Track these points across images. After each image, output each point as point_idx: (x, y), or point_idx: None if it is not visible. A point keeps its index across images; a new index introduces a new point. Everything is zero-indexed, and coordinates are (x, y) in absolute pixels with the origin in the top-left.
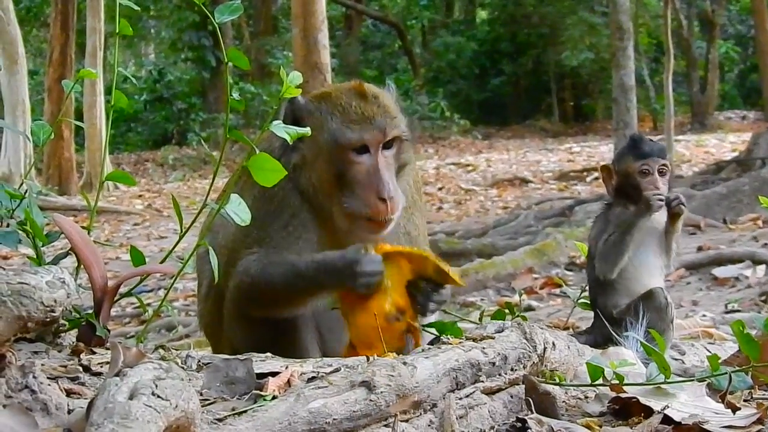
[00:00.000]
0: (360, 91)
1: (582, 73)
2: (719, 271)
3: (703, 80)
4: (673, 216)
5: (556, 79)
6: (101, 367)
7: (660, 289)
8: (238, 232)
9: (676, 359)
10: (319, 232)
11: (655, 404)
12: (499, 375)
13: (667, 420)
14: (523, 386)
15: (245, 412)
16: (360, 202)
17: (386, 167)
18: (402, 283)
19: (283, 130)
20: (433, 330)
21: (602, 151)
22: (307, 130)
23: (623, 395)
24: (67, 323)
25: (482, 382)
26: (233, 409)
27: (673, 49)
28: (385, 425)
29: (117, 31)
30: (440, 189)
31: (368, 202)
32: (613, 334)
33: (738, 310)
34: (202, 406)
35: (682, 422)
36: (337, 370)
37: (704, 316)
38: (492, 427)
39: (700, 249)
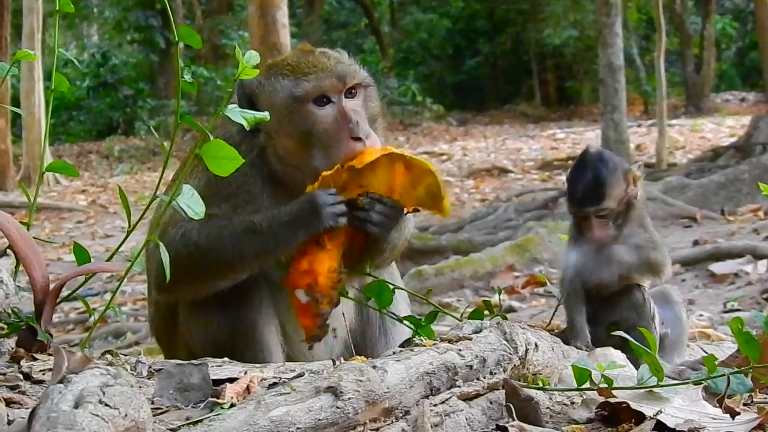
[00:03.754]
0: (306, 49)
1: (566, 53)
2: (717, 267)
3: (699, 59)
4: None
5: (538, 60)
6: (43, 374)
7: (637, 286)
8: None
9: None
10: None
11: (647, 409)
12: (477, 379)
13: (660, 426)
14: (504, 391)
15: (201, 421)
16: (332, 151)
17: (355, 112)
18: (388, 187)
19: (239, 115)
20: (405, 335)
21: (588, 137)
22: (266, 115)
23: (612, 400)
24: (5, 327)
25: (459, 387)
26: (188, 419)
27: (665, 26)
28: None
29: (57, 9)
30: None
31: (341, 146)
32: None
33: (738, 309)
34: (154, 415)
35: (677, 428)
36: (300, 376)
37: (701, 315)
38: None
39: (696, 243)
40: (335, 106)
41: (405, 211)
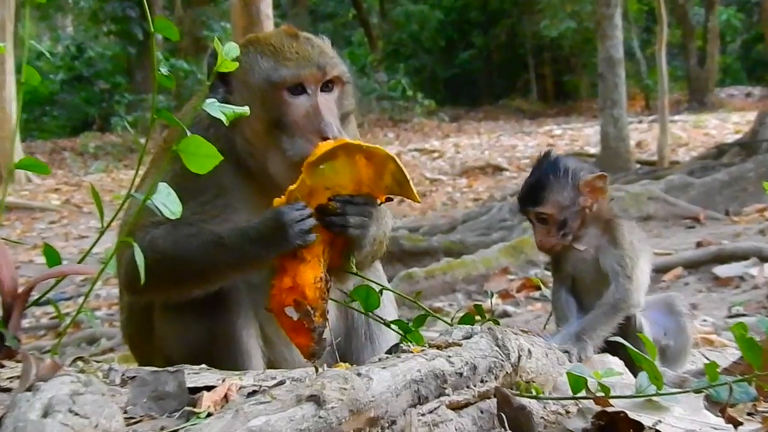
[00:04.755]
0: (291, 32)
1: (563, 45)
2: (721, 270)
3: (702, 52)
4: None
5: (534, 53)
6: (11, 381)
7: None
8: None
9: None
10: (251, 213)
11: (646, 419)
12: (468, 387)
13: None
14: (495, 400)
15: (176, 431)
16: (301, 143)
17: (328, 109)
18: (355, 182)
19: (217, 109)
20: (392, 341)
21: (587, 133)
22: (245, 110)
23: (609, 409)
24: None
25: (448, 395)
26: (162, 429)
27: (666, 17)
28: None
29: None
30: None
31: (308, 142)
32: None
33: (743, 314)
34: (127, 425)
35: None
36: (281, 383)
37: (705, 321)
38: None
39: (699, 245)
40: (310, 98)
41: (378, 202)
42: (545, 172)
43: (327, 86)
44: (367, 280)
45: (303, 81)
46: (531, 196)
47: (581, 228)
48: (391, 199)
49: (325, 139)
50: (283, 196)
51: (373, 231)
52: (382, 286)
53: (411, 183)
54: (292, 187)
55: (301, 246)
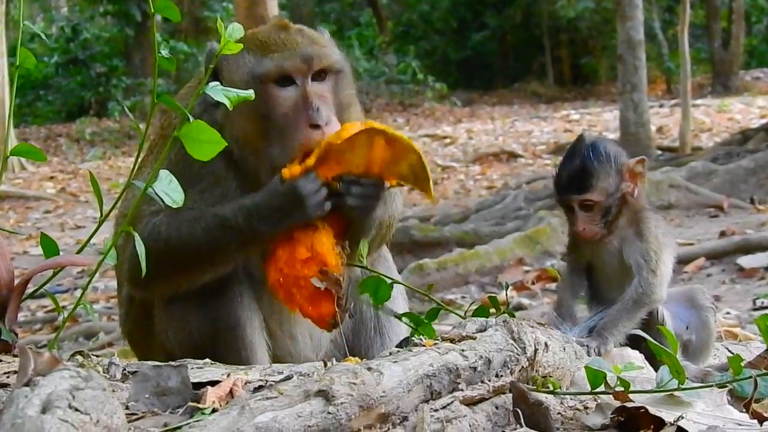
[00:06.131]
0: (281, 24)
1: (581, 27)
2: (745, 261)
3: (727, 33)
4: None
5: (551, 34)
6: (8, 377)
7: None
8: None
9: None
10: None
11: (667, 415)
12: (482, 382)
13: None
14: (510, 395)
15: (180, 428)
16: (288, 139)
17: (318, 98)
18: (370, 163)
19: (221, 93)
20: (402, 334)
21: (606, 119)
22: (250, 93)
23: (629, 404)
24: None
25: (461, 390)
26: (165, 425)
27: None
28: None
29: None
30: None
31: (298, 133)
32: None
33: None
34: (129, 422)
35: None
36: (288, 378)
37: (728, 313)
38: None
39: (723, 234)
40: (298, 88)
41: (386, 185)
42: (588, 157)
43: (319, 76)
44: (377, 273)
45: (288, 72)
46: (576, 182)
47: (618, 217)
48: (402, 185)
49: (315, 125)
50: (289, 167)
51: (379, 213)
52: (392, 279)
53: (430, 180)
54: (309, 162)
55: (320, 216)
